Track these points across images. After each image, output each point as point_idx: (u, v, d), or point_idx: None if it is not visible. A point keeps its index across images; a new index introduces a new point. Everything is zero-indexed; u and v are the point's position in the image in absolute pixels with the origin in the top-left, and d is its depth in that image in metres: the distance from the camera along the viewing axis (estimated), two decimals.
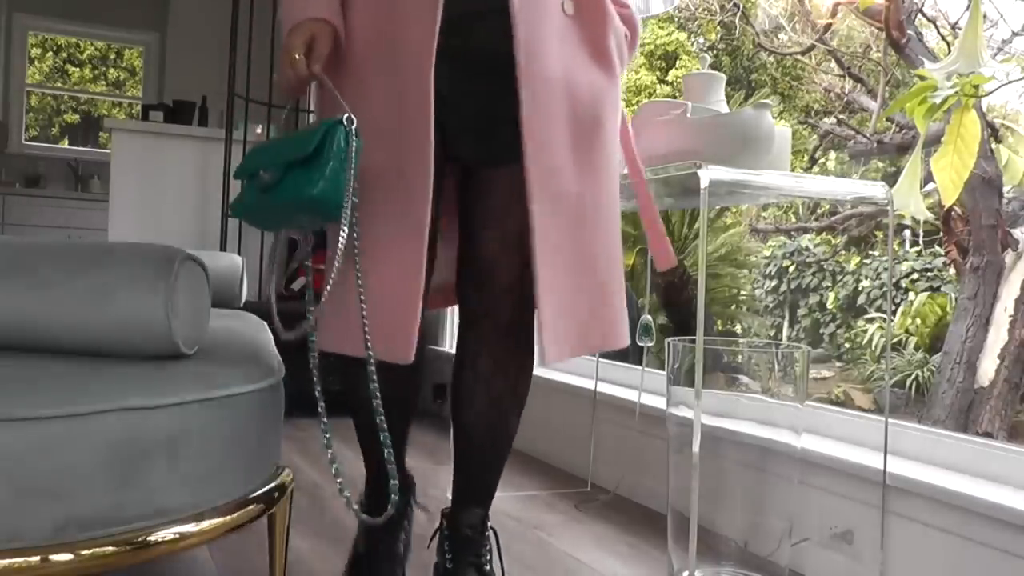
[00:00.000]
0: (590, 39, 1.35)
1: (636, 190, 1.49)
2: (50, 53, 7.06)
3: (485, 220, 1.38)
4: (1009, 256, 3.42)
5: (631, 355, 2.57)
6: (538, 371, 2.81)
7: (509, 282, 1.36)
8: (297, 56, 1.27)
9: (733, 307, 8.17)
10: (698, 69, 1.84)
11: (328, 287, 1.20)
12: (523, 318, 1.37)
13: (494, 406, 1.41)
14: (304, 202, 1.17)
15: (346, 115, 1.18)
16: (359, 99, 1.29)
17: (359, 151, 1.19)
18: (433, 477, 2.31)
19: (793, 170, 1.82)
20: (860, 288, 7.73)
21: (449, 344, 3.40)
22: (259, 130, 3.80)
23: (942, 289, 6.84)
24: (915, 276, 7.13)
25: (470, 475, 1.47)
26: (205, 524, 1.07)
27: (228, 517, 1.11)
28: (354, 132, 1.19)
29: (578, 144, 1.33)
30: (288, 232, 1.34)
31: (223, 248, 3.53)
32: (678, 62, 10.36)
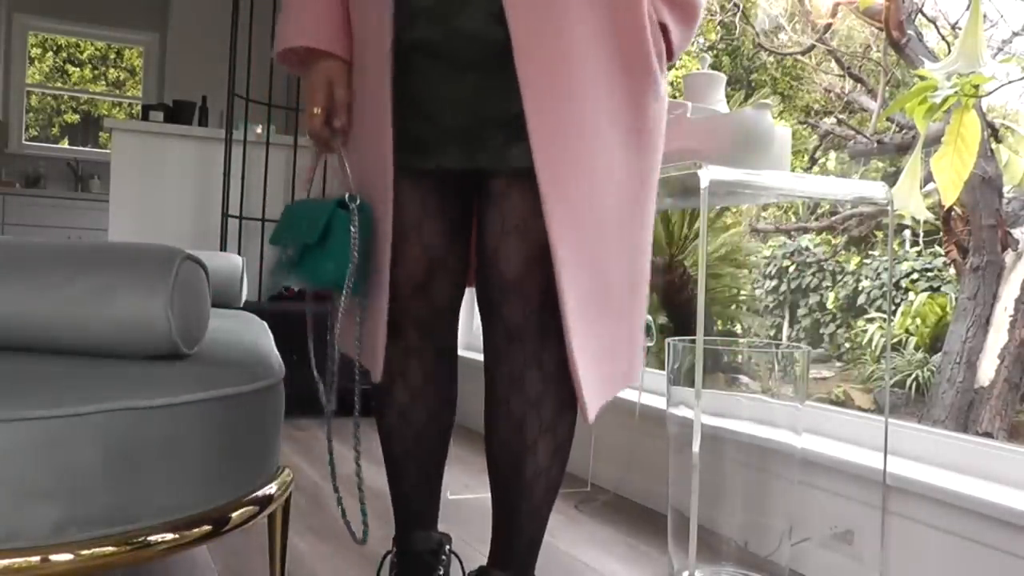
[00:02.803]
0: (613, 21, 1.16)
1: None
2: (50, 53, 7.06)
3: (492, 240, 1.22)
4: (1009, 256, 3.41)
5: None
6: None
7: (523, 304, 1.20)
8: (316, 111, 1.22)
9: (733, 307, 8.16)
10: (698, 69, 1.84)
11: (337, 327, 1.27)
12: (537, 322, 1.21)
13: (517, 432, 1.23)
14: (321, 283, 1.22)
15: (347, 195, 1.19)
16: (354, 138, 1.26)
17: (367, 223, 1.19)
18: None
19: (793, 170, 1.82)
20: (860, 288, 7.72)
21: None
22: (259, 130, 3.80)
23: (942, 289, 6.83)
24: (915, 276, 7.12)
25: (504, 525, 1.30)
26: (204, 524, 1.07)
27: (228, 517, 1.11)
28: (356, 211, 1.18)
29: (600, 147, 1.16)
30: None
31: (223, 248, 3.53)
32: (678, 62, 10.34)
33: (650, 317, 2.23)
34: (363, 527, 1.22)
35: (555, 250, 1.12)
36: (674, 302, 6.87)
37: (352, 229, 1.17)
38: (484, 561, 1.34)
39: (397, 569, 1.39)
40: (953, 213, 3.55)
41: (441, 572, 1.39)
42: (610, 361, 1.22)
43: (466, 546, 1.75)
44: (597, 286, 1.18)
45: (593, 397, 1.18)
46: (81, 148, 6.59)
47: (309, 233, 1.18)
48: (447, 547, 1.43)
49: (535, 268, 1.18)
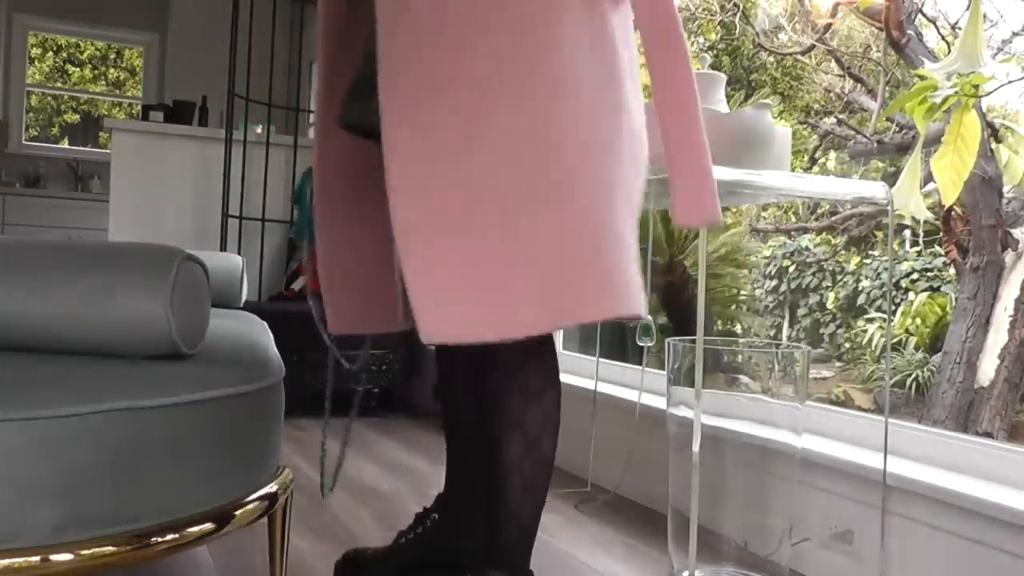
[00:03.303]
0: None
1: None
2: (50, 53, 7.06)
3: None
4: (1009, 256, 3.41)
5: (631, 355, 2.57)
6: None
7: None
8: None
9: (733, 307, 8.16)
10: (698, 69, 1.84)
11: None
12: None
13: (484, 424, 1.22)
14: (298, 237, 1.47)
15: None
16: None
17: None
18: (434, 477, 2.31)
19: (793, 170, 1.82)
20: (860, 288, 7.72)
21: None
22: (259, 130, 3.80)
23: (942, 289, 6.83)
24: (915, 276, 7.12)
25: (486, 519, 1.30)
26: (205, 524, 1.07)
27: (228, 517, 1.11)
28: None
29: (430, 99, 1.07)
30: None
31: (223, 248, 3.53)
32: None
33: (650, 317, 2.23)
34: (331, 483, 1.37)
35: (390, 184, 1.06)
36: (674, 302, 6.87)
37: (308, 190, 1.36)
38: None
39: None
40: (953, 213, 3.55)
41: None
42: (494, 287, 1.06)
43: None
44: (448, 203, 1.06)
45: (430, 316, 1.05)
46: (81, 148, 6.59)
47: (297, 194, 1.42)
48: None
49: None
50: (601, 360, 2.50)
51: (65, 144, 6.74)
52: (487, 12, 1.07)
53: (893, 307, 6.95)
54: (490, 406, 1.21)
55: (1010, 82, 1.47)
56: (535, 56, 1.08)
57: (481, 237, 1.05)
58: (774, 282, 8.67)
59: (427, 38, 1.08)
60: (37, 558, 0.93)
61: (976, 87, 1.39)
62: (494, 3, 1.08)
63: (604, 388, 2.41)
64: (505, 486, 1.22)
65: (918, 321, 6.88)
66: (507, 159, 1.06)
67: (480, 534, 1.49)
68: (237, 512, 1.12)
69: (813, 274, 8.33)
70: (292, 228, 3.82)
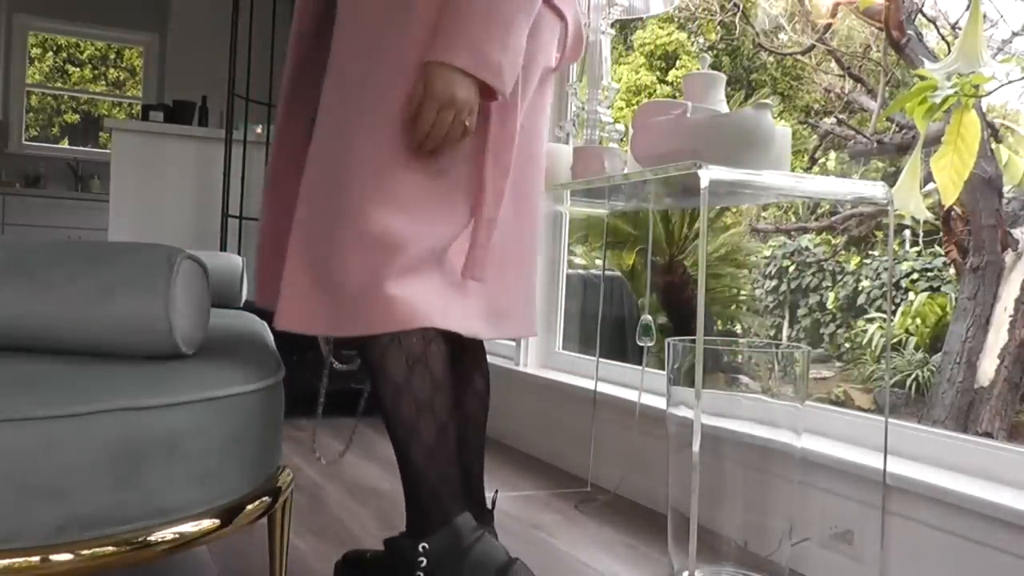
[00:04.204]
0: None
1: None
2: (50, 53, 7.06)
3: None
4: (1009, 256, 3.42)
5: (631, 355, 2.57)
6: (538, 372, 2.81)
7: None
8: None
9: (733, 307, 8.17)
10: (698, 69, 1.84)
11: None
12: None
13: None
14: None
15: None
16: None
17: None
18: None
19: (793, 170, 1.82)
20: (860, 288, 7.73)
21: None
22: (259, 130, 3.80)
23: (942, 289, 6.84)
24: (915, 276, 7.12)
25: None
26: (205, 524, 1.07)
27: (228, 517, 1.11)
28: None
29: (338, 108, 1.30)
30: None
31: (223, 248, 3.53)
32: (678, 62, 10.35)
33: (650, 317, 2.23)
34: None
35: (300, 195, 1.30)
36: (674, 302, 6.88)
37: None
38: None
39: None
40: (953, 213, 3.55)
41: None
42: (322, 288, 1.23)
43: None
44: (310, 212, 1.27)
45: (289, 310, 1.24)
46: (81, 148, 6.59)
47: None
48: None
49: None
50: (601, 360, 2.51)
51: (65, 144, 6.74)
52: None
53: (893, 307, 6.96)
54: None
55: (1010, 82, 1.48)
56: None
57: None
58: (774, 282, 8.67)
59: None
60: (37, 558, 0.93)
61: (976, 87, 1.39)
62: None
63: (604, 388, 2.41)
64: (407, 451, 1.27)
65: (918, 321, 6.88)
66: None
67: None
68: (237, 512, 1.12)
69: (813, 274, 8.33)
70: None
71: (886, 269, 7.23)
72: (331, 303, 1.22)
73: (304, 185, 1.29)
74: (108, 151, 4.23)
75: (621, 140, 2.05)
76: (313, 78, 1.44)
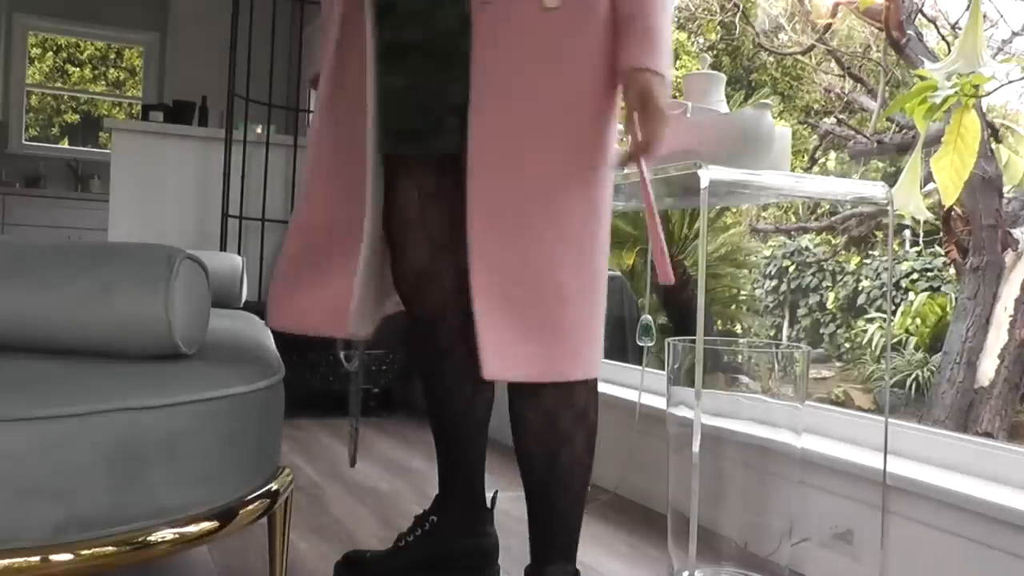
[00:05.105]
0: (568, 33, 1.23)
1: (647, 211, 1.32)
2: (50, 53, 7.06)
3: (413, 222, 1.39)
4: (1009, 256, 3.41)
5: (631, 355, 2.57)
6: None
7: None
8: None
9: (733, 307, 8.17)
10: (698, 69, 1.84)
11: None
12: None
13: (550, 425, 1.29)
14: None
15: None
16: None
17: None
18: (434, 477, 2.31)
19: (793, 170, 1.82)
20: (860, 288, 7.73)
21: None
22: (259, 130, 3.80)
23: (942, 289, 6.84)
24: (915, 276, 7.12)
25: (544, 518, 1.35)
26: (205, 524, 1.07)
27: (228, 517, 1.11)
28: None
29: (535, 147, 1.23)
30: None
31: (223, 248, 3.53)
32: (678, 62, 10.37)
33: (650, 317, 2.23)
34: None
35: (470, 239, 1.20)
36: (674, 302, 6.88)
37: None
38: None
39: None
40: (953, 213, 3.55)
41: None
42: (533, 343, 1.22)
43: None
44: (522, 271, 1.22)
45: (495, 357, 1.19)
46: (81, 148, 6.59)
47: None
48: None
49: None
50: (601, 360, 2.50)
51: (65, 144, 6.74)
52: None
53: (893, 307, 6.95)
54: (555, 403, 1.29)
55: (1010, 82, 1.47)
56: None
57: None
58: (774, 282, 8.67)
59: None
60: (37, 558, 0.93)
61: (976, 87, 1.39)
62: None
63: (604, 388, 2.41)
64: (572, 481, 1.33)
65: (918, 321, 6.88)
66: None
67: (480, 535, 1.51)
68: (237, 512, 1.12)
69: (813, 274, 8.33)
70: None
71: (886, 269, 7.23)
72: (548, 346, 1.21)
73: (487, 217, 1.20)
74: (108, 151, 4.22)
75: (621, 140, 2.05)
76: (351, 75, 1.34)
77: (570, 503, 1.33)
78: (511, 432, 1.33)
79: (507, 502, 2.16)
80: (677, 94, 1.82)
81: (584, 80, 1.24)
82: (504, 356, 1.19)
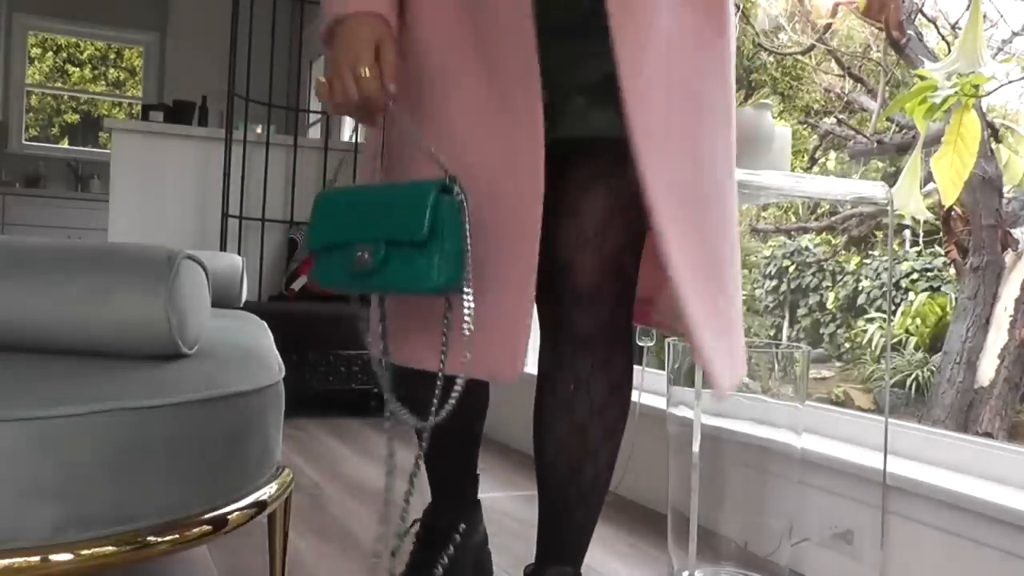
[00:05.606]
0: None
1: None
2: (50, 53, 7.06)
3: (565, 251, 1.15)
4: (1009, 256, 3.41)
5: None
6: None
7: (587, 286, 1.16)
8: (366, 72, 1.04)
9: None
10: None
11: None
12: (608, 331, 1.19)
13: (580, 437, 1.22)
14: (424, 291, 1.03)
15: (448, 177, 1.01)
16: (437, 114, 1.13)
17: (463, 209, 1.02)
18: None
19: (793, 170, 1.82)
20: (860, 288, 7.72)
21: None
22: (259, 130, 3.81)
23: (942, 289, 6.83)
24: (915, 276, 7.12)
25: (557, 524, 1.31)
26: (205, 524, 1.07)
27: (228, 517, 1.11)
28: (460, 191, 1.01)
29: (683, 122, 1.14)
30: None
31: (223, 248, 3.53)
32: None
33: None
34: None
35: (662, 229, 1.06)
36: None
37: (465, 218, 1.01)
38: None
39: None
40: (953, 213, 3.55)
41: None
42: (732, 336, 1.22)
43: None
44: (710, 261, 1.18)
45: (724, 370, 1.15)
46: (81, 148, 6.59)
47: (407, 227, 1.01)
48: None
49: (610, 278, 1.16)
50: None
51: (65, 144, 6.74)
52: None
53: (893, 307, 6.95)
54: (587, 418, 1.23)
55: (1010, 82, 1.48)
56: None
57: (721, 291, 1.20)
58: (774, 282, 8.67)
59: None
60: (37, 558, 0.93)
61: (976, 87, 1.39)
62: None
63: None
64: (592, 496, 1.29)
65: (918, 321, 6.88)
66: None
67: (467, 535, 1.45)
68: (237, 512, 1.12)
69: (813, 274, 8.33)
70: (295, 230, 3.82)
71: (886, 269, 7.22)
72: (729, 350, 1.20)
73: (682, 221, 1.12)
74: (108, 151, 4.23)
75: None
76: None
77: (587, 515, 1.31)
78: (532, 437, 1.28)
79: (507, 502, 2.16)
80: None
81: (727, 66, 1.22)
82: (724, 367, 1.15)
